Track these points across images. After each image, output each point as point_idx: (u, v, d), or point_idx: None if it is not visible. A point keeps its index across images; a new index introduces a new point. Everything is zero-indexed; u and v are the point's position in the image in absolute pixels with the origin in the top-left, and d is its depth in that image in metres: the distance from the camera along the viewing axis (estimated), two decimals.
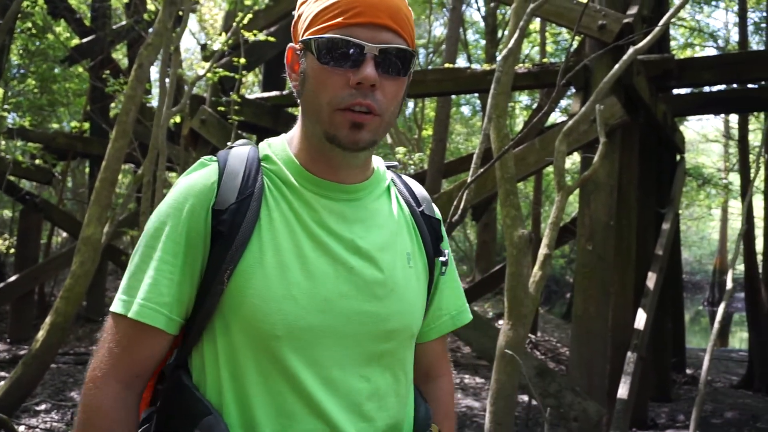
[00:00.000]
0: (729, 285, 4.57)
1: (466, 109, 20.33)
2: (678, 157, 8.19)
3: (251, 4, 6.28)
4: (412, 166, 10.87)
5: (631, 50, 4.40)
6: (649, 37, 4.41)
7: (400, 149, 11.07)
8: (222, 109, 6.79)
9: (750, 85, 8.17)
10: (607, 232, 5.26)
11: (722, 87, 8.22)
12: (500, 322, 10.99)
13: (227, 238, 1.08)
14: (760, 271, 9.10)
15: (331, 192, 1.16)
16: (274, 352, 1.08)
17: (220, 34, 6.78)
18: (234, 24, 6.28)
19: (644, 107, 6.12)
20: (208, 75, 6.16)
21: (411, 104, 16.63)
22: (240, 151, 1.18)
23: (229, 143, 1.27)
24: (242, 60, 6.47)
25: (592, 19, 5.65)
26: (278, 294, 1.08)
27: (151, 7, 7.47)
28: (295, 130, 1.21)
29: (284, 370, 1.08)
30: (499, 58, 4.22)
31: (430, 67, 14.94)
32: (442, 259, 1.31)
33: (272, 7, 7.49)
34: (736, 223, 26.93)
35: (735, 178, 21.10)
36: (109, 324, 1.12)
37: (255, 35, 6.59)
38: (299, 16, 1.17)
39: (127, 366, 1.09)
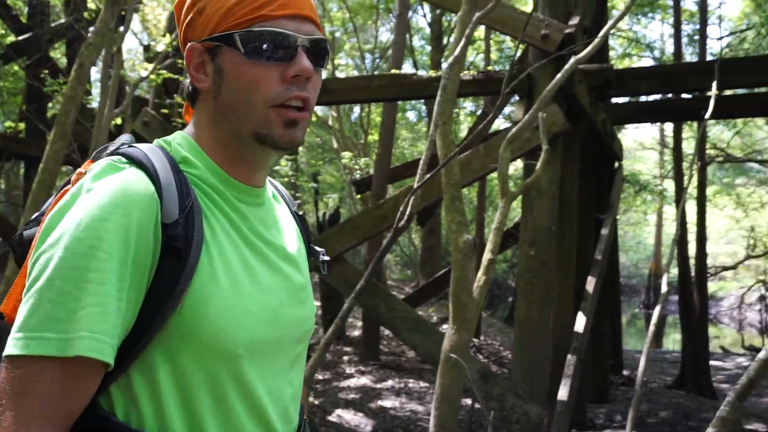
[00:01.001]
0: (664, 288, 4.72)
1: (411, 115, 20.52)
2: (616, 165, 8.44)
3: None
4: (358, 171, 10.90)
5: (572, 60, 4.52)
6: (589, 48, 4.53)
7: (346, 154, 11.10)
8: (165, 111, 6.67)
9: (684, 95, 8.50)
10: (550, 238, 5.39)
11: (658, 96, 8.53)
12: (444, 326, 11.09)
13: (179, 256, 0.95)
14: (693, 274, 9.45)
15: (251, 197, 1.11)
16: (235, 371, 1.01)
17: (164, 35, 6.67)
18: None
19: (585, 115, 6.29)
20: (152, 77, 6.04)
21: (357, 109, 16.67)
22: (155, 153, 1.03)
23: (113, 143, 1.11)
24: None
25: (536, 29, 5.78)
26: (238, 310, 1.00)
27: (91, 5, 7.29)
28: (199, 132, 1.10)
29: (242, 387, 1.02)
30: (445, 66, 4.28)
31: (376, 72, 15.00)
32: (324, 258, 1.30)
33: None
34: (670, 228, 27.87)
35: (670, 185, 21.87)
36: (30, 370, 0.88)
37: None
38: (199, 11, 1.05)
39: (67, 412, 0.91)
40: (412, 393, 7.74)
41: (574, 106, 5.95)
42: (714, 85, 5.96)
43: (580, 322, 6.30)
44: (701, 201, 9.42)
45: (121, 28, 5.62)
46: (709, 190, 20.72)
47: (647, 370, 10.76)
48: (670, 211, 25.82)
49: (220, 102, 1.06)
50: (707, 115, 5.84)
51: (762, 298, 23.30)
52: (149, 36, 11.25)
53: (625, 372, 9.27)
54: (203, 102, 1.09)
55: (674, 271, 11.59)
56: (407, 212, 3.75)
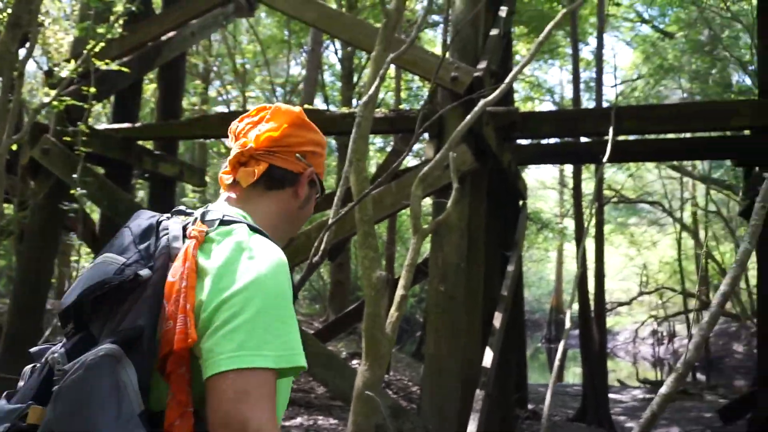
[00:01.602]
0: (567, 324, 4.91)
1: None
2: (521, 203, 8.74)
3: (104, 32, 6.02)
4: None
5: (482, 102, 4.68)
6: (498, 91, 4.70)
7: None
8: (68, 139, 6.41)
9: (583, 139, 8.95)
10: (458, 274, 5.50)
11: (557, 140, 8.95)
12: (355, 361, 11.05)
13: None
14: (592, 310, 9.85)
15: None
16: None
17: (69, 61, 6.44)
18: (84, 51, 6.00)
19: (492, 155, 6.50)
20: (54, 103, 5.81)
21: None
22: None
23: (210, 208, 1.39)
24: (92, 89, 6.17)
25: (446, 71, 5.96)
26: None
27: None
28: (263, 216, 1.40)
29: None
30: (359, 104, 4.34)
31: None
32: None
33: (127, 36, 7.24)
34: (570, 265, 29.02)
35: (569, 223, 22.83)
36: (264, 378, 1.13)
37: (107, 64, 6.33)
38: (321, 153, 1.52)
39: None
40: (322, 430, 7.62)
41: (481, 146, 6.14)
42: (611, 130, 6.32)
43: (488, 357, 6.42)
44: (599, 239, 9.87)
45: (23, 52, 5.39)
46: (606, 229, 21.78)
47: (559, 407, 11.06)
48: (569, 249, 26.89)
49: (299, 212, 1.48)
50: (605, 159, 6.18)
51: (654, 332, 24.47)
52: (50, 60, 10.83)
53: (530, 406, 9.49)
54: (284, 202, 1.45)
55: (575, 306, 12.07)
56: (321, 247, 3.74)
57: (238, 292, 1.16)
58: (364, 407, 3.87)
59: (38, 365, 1.19)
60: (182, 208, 1.40)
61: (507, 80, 4.92)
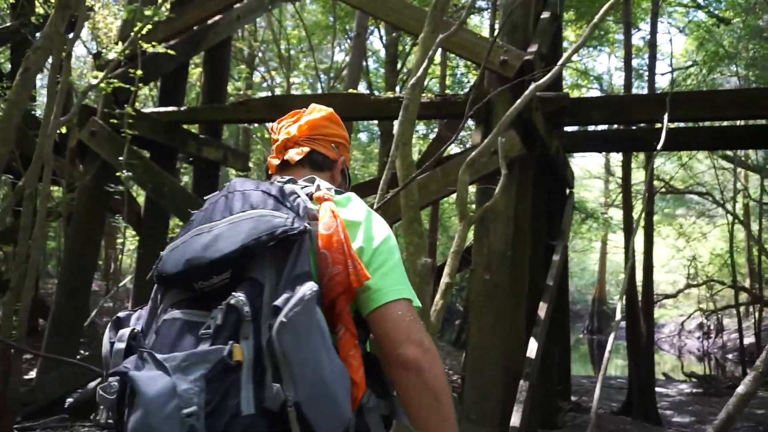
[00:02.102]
0: (618, 315, 4.75)
1: (363, 136, 20.50)
2: (568, 192, 8.53)
3: (151, 14, 6.03)
4: None
5: (533, 86, 4.53)
6: (549, 75, 4.56)
7: None
8: (114, 121, 6.45)
9: (632, 126, 8.68)
10: (504, 262, 5.37)
11: (605, 127, 8.70)
12: None
13: None
14: (640, 301, 9.59)
15: None
16: None
17: (116, 43, 6.47)
18: (131, 34, 6.01)
19: (540, 142, 6.33)
20: (101, 85, 5.84)
21: None
22: None
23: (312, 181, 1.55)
24: (139, 72, 6.19)
25: (495, 54, 5.81)
26: None
27: (39, 9, 7.04)
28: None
29: None
30: (406, 87, 4.23)
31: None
32: None
33: (173, 19, 7.25)
34: (615, 256, 28.47)
35: (614, 213, 22.35)
36: (414, 309, 1.41)
37: (154, 47, 6.34)
38: (344, 144, 1.76)
39: None
40: None
41: (530, 132, 5.98)
42: (666, 117, 6.09)
43: (532, 348, 6.29)
44: (648, 230, 9.60)
45: (71, 34, 5.42)
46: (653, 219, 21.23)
47: (590, 395, 10.86)
48: (614, 239, 26.34)
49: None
50: (659, 146, 5.96)
51: (701, 325, 23.91)
52: (99, 44, 10.96)
53: (573, 398, 9.32)
54: (332, 179, 1.68)
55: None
56: None
57: (383, 242, 1.44)
58: None
59: (218, 310, 1.25)
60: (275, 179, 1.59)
61: (559, 64, 4.76)
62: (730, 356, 21.29)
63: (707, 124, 8.90)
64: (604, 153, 21.82)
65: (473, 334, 5.27)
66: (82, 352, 8.00)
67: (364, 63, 13.90)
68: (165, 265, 1.34)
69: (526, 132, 5.89)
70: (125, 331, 1.33)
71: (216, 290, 1.27)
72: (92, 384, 6.59)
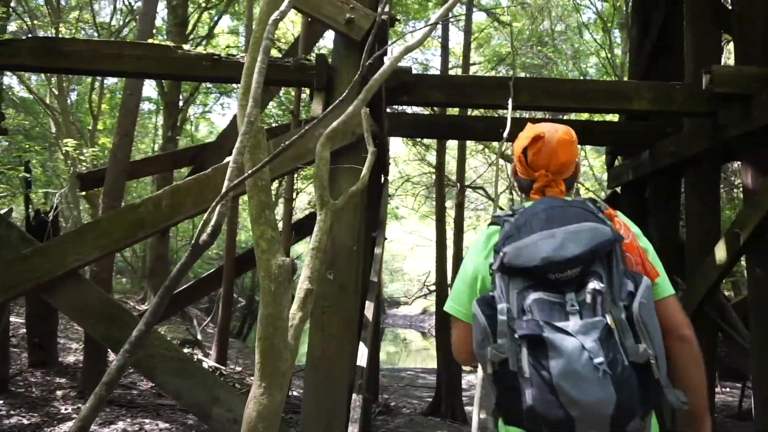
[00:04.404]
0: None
1: (145, 105, 18.18)
2: (383, 179, 7.92)
3: None
4: (85, 164, 9.06)
5: (395, 55, 3.72)
6: (420, 38, 3.77)
7: (69, 141, 9.15)
8: None
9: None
10: (351, 259, 4.52)
11: (425, 111, 8.22)
12: (185, 349, 9.65)
13: None
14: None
15: None
16: None
17: None
18: None
19: (380, 119, 5.57)
20: None
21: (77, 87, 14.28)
22: None
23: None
24: None
25: (338, 11, 4.92)
26: None
27: None
28: None
29: None
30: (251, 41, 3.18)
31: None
32: None
33: None
34: (398, 247, 28.90)
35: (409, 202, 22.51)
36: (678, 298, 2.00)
37: None
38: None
39: None
40: None
41: (375, 107, 5.19)
42: (510, 102, 5.65)
43: (363, 354, 5.54)
44: (459, 222, 9.36)
45: None
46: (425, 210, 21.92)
47: (396, 394, 10.44)
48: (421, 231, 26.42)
49: None
50: (505, 134, 5.49)
51: None
52: None
53: (380, 399, 8.78)
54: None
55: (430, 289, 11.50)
56: (212, 222, 2.59)
57: (652, 248, 1.96)
58: None
59: (584, 297, 1.68)
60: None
61: (429, 24, 4.00)
62: None
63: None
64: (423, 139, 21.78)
65: (315, 345, 4.34)
66: None
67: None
68: (516, 259, 1.73)
69: (370, 106, 5.08)
70: (503, 306, 1.71)
71: (566, 280, 1.69)
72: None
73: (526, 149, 2.02)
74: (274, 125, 10.08)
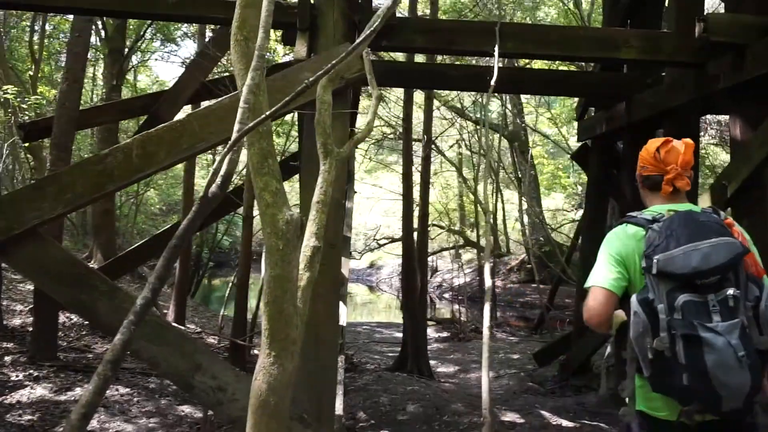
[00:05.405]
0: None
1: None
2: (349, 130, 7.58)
3: None
4: (27, 113, 8.39)
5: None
6: None
7: (9, 88, 8.42)
8: None
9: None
10: (339, 214, 4.21)
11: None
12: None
13: None
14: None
15: None
16: None
17: None
18: None
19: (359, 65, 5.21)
20: None
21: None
22: None
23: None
24: None
25: None
26: None
27: None
28: None
29: None
30: None
31: None
32: None
33: None
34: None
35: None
36: None
37: None
38: None
39: None
40: (112, 405, 5.94)
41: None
42: (497, 49, 5.36)
43: (343, 313, 5.30)
44: (426, 176, 9.11)
45: None
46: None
47: (359, 350, 10.26)
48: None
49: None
50: (492, 82, 5.22)
51: None
52: None
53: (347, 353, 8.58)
54: None
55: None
56: (221, 173, 2.24)
57: (754, 248, 2.35)
58: (270, 422, 2.51)
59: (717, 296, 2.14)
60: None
61: None
62: (446, 295, 22.77)
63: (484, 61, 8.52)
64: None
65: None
66: None
67: None
68: (669, 266, 2.15)
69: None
70: (663, 307, 2.13)
71: (708, 284, 2.13)
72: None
73: (659, 149, 2.44)
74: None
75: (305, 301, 2.75)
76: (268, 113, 2.21)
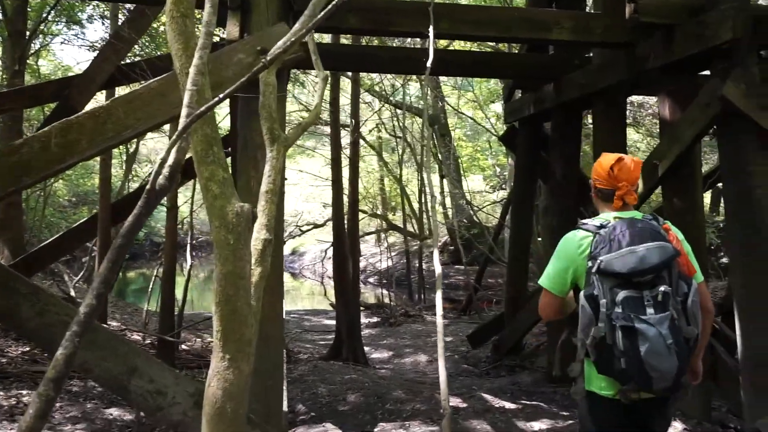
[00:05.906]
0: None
1: None
2: None
3: None
4: None
5: None
6: None
7: None
8: None
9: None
10: (281, 203, 4.00)
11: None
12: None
13: None
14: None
15: None
16: None
17: None
18: None
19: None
20: None
21: None
22: None
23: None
24: None
25: None
26: None
27: None
28: None
29: None
30: None
31: None
32: None
33: None
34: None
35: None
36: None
37: None
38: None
39: None
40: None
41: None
42: (431, 30, 5.24)
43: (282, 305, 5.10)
44: (354, 160, 8.95)
45: None
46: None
47: (290, 339, 10.04)
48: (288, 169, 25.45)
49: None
50: (428, 64, 5.10)
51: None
52: None
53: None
54: None
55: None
56: (168, 163, 2.01)
57: (688, 248, 2.73)
58: (227, 426, 2.31)
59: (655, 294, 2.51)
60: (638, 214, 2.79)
61: None
62: (371, 279, 22.73)
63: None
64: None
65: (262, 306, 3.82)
66: None
67: None
68: (611, 266, 2.50)
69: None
70: (604, 302, 2.50)
71: (644, 282, 2.48)
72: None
73: (613, 167, 2.73)
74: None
75: (258, 298, 2.57)
76: (222, 95, 2.00)
